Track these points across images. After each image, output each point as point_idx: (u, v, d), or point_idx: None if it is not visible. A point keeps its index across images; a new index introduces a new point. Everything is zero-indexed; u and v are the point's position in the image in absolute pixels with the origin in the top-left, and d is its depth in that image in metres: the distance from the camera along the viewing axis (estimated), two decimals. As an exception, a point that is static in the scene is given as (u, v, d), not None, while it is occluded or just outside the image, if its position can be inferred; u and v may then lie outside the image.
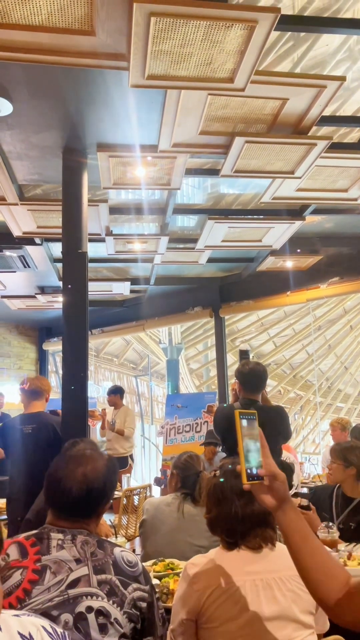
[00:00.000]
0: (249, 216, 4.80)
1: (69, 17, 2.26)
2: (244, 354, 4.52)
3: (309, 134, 3.27)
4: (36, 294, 6.90)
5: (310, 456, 10.46)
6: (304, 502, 2.73)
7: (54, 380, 10.95)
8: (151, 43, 2.33)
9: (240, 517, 1.54)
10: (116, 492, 5.14)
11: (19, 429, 3.73)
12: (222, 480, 1.60)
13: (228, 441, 3.45)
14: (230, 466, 1.63)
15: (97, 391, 11.48)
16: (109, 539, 1.65)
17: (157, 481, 7.00)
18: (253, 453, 1.17)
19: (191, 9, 2.16)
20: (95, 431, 7.18)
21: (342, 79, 2.81)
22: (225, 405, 4.22)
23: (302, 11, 4.02)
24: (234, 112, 3.05)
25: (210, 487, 1.66)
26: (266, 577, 1.49)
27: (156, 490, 6.70)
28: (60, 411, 3.90)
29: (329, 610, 1.11)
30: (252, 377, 3.46)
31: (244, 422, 1.18)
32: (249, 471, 1.15)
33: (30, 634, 0.92)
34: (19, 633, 0.93)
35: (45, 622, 0.90)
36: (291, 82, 2.79)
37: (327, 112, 3.50)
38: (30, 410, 3.80)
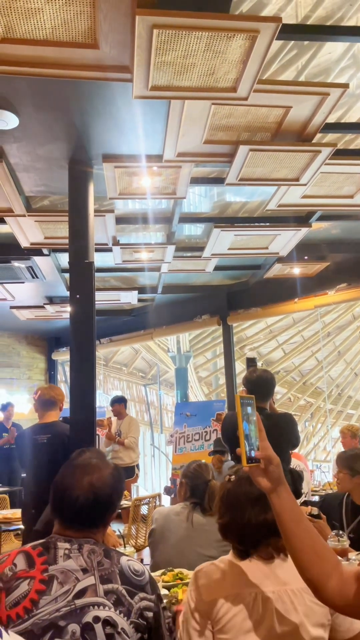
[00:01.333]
0: (255, 224, 4.81)
1: (73, 31, 2.29)
2: (251, 362, 4.49)
3: (313, 141, 3.28)
4: (45, 304, 6.94)
5: (321, 464, 10.38)
6: (314, 510, 2.70)
7: (64, 389, 10.96)
8: (154, 55, 2.36)
9: (252, 525, 1.52)
10: (125, 502, 5.13)
11: (33, 439, 3.73)
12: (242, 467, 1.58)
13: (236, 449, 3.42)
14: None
15: (106, 400, 11.49)
16: (116, 549, 1.64)
17: (167, 490, 6.97)
18: (251, 436, 1.20)
19: (193, 20, 2.18)
20: (102, 441, 7.16)
21: (344, 86, 2.82)
22: (233, 413, 4.16)
23: (305, 20, 4.04)
24: (237, 120, 3.06)
25: (223, 492, 1.64)
26: (278, 590, 1.46)
27: (166, 500, 6.68)
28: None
29: (319, 592, 1.15)
30: (260, 384, 3.43)
31: (243, 407, 1.21)
32: (248, 454, 1.18)
33: None
34: None
35: None
36: (294, 90, 2.81)
37: (332, 119, 3.52)
38: (45, 420, 3.81)
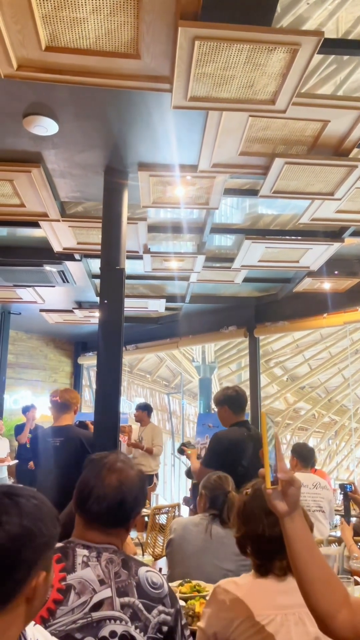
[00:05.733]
0: (287, 237, 4.78)
1: (116, 41, 2.32)
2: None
3: (350, 155, 3.26)
4: (74, 308, 7.01)
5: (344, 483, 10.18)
6: None
7: (88, 394, 11.05)
8: (194, 66, 2.37)
9: (267, 537, 1.50)
10: (144, 510, 5.11)
11: (47, 441, 3.74)
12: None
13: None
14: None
15: (129, 407, 11.51)
16: (135, 557, 1.62)
17: (186, 501, 6.92)
18: (273, 458, 1.16)
19: (235, 32, 2.20)
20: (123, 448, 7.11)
21: (385, 101, 2.80)
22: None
23: (346, 34, 4.03)
24: (274, 133, 3.06)
25: (240, 506, 1.62)
26: (299, 612, 1.43)
27: (185, 510, 6.63)
28: (89, 422, 3.91)
29: (327, 624, 1.09)
30: (238, 398, 3.31)
31: (268, 427, 1.18)
32: (272, 476, 1.14)
33: None
34: None
35: None
36: (333, 105, 2.80)
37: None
38: (59, 422, 3.82)
